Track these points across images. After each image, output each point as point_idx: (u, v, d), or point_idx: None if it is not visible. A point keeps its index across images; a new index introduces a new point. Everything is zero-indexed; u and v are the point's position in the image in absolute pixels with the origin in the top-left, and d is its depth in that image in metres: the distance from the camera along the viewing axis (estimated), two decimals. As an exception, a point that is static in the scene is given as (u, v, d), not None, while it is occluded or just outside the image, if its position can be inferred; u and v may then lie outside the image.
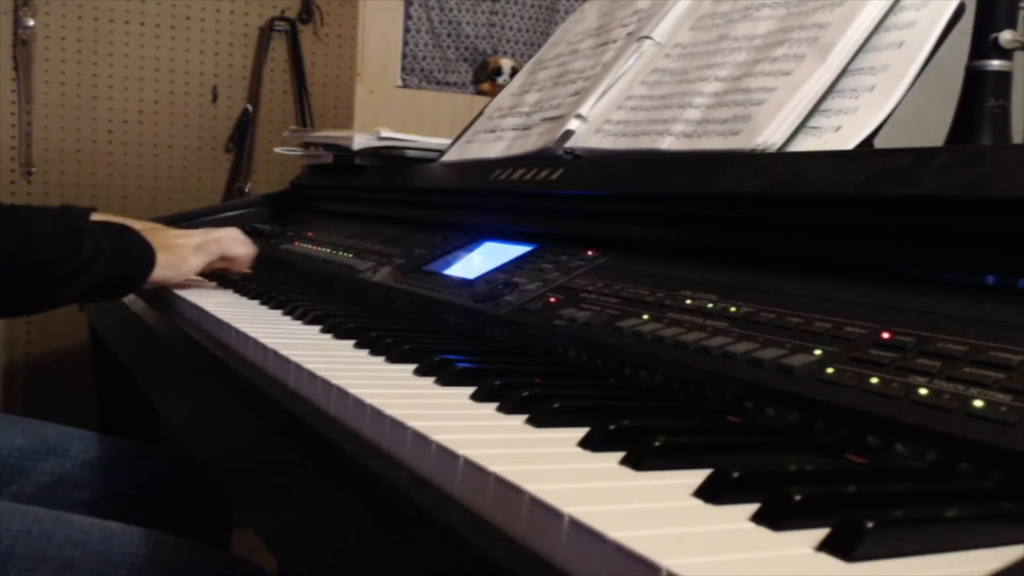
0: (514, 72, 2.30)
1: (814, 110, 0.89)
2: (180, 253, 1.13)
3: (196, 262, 1.15)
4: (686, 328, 0.69)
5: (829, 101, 0.89)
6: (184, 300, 1.05)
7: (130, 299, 1.21)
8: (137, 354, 1.25)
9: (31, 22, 2.10)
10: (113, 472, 1.14)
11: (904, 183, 0.66)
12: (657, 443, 0.48)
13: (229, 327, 0.87)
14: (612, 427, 0.51)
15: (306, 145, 1.75)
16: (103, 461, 1.14)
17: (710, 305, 0.72)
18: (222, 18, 2.28)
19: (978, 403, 0.49)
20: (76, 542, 0.84)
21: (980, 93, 0.86)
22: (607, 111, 1.12)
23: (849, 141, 0.84)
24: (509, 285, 0.93)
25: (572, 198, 1.02)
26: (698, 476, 0.44)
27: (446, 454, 0.48)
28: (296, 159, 1.86)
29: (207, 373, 0.87)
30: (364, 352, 0.78)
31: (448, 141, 1.47)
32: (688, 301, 0.74)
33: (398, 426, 0.53)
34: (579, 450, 0.51)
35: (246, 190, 2.30)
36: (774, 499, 0.40)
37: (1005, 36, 0.85)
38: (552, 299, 0.86)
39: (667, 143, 0.99)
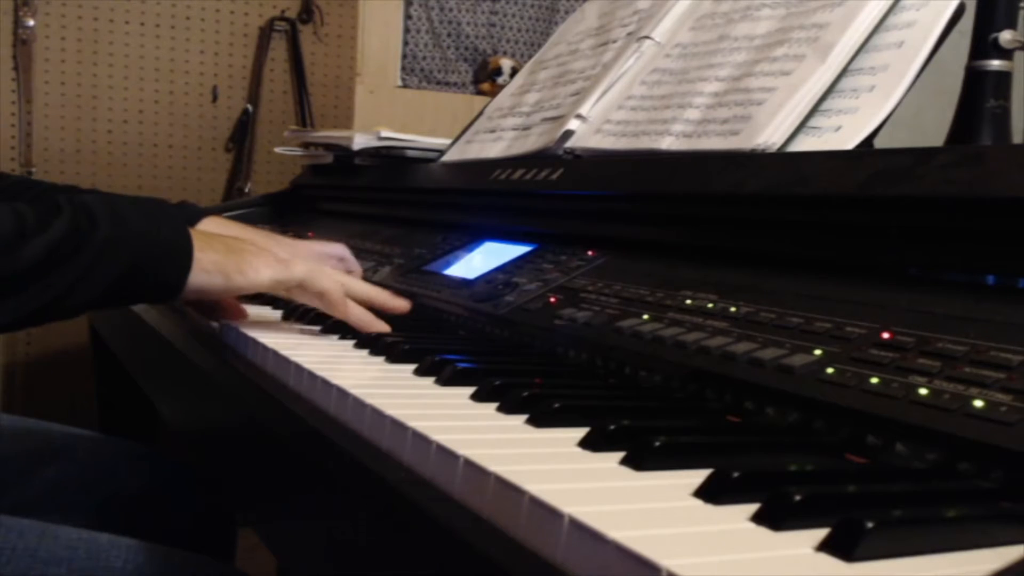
0: (514, 72, 2.30)
1: (814, 110, 0.89)
2: (245, 258, 0.82)
3: (266, 276, 0.82)
4: (686, 328, 0.69)
5: (829, 101, 0.89)
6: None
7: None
8: (137, 354, 1.24)
9: (31, 22, 2.10)
10: (116, 475, 1.13)
11: (904, 183, 0.66)
12: (657, 443, 0.48)
13: (229, 327, 0.87)
14: (612, 427, 0.51)
15: (306, 145, 1.75)
16: (107, 464, 1.13)
17: (710, 305, 0.72)
18: (222, 18, 2.28)
19: (978, 403, 0.49)
20: (61, 559, 0.82)
21: (980, 93, 0.86)
22: (607, 111, 1.12)
23: (849, 141, 0.84)
24: (509, 285, 0.93)
25: (572, 198, 1.02)
26: (698, 476, 0.44)
27: (446, 454, 0.48)
28: (296, 159, 1.85)
29: (206, 374, 0.87)
30: (364, 352, 0.78)
31: (448, 141, 1.47)
32: (688, 301, 0.74)
33: (398, 426, 0.53)
34: (579, 450, 0.51)
35: (246, 190, 2.30)
36: (774, 499, 0.40)
37: (1005, 36, 0.85)
38: (552, 299, 0.86)
39: (667, 143, 0.99)
